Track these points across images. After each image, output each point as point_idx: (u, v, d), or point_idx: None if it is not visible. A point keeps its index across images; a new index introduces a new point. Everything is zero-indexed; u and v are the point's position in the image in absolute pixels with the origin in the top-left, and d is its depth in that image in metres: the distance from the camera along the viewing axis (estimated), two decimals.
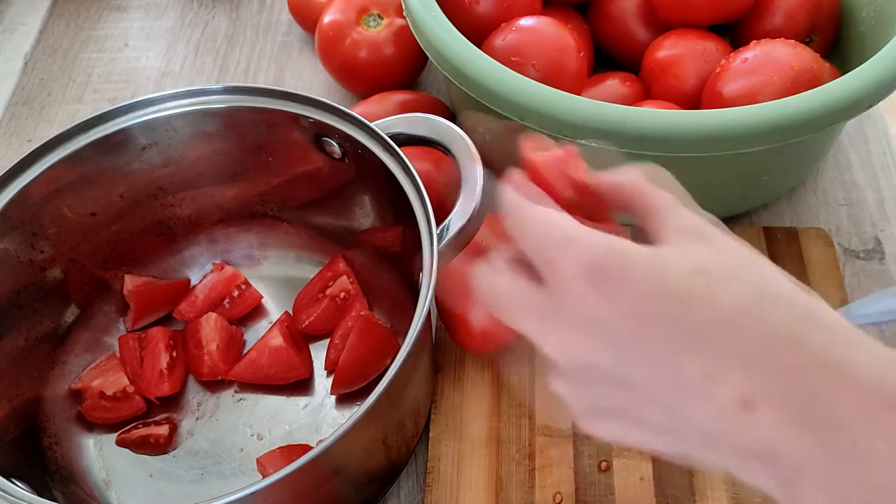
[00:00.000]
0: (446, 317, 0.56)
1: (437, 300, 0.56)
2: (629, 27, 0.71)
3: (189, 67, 0.81)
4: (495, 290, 0.36)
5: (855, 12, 0.69)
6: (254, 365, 0.57)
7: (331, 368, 0.58)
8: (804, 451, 0.29)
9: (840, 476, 0.28)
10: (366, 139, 0.52)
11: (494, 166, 0.38)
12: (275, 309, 0.62)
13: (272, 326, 0.59)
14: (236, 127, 0.56)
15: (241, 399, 0.58)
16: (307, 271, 0.62)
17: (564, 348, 0.34)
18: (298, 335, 0.60)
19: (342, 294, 0.60)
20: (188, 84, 0.70)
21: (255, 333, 0.61)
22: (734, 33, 0.71)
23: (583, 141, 0.55)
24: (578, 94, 0.59)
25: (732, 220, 0.66)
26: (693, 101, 0.65)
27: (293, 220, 0.63)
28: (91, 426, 0.57)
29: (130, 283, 0.60)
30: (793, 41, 0.62)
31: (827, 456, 0.29)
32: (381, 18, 0.71)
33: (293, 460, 0.40)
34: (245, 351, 0.60)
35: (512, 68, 0.57)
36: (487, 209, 0.50)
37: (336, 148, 0.55)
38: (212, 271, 0.62)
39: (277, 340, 0.57)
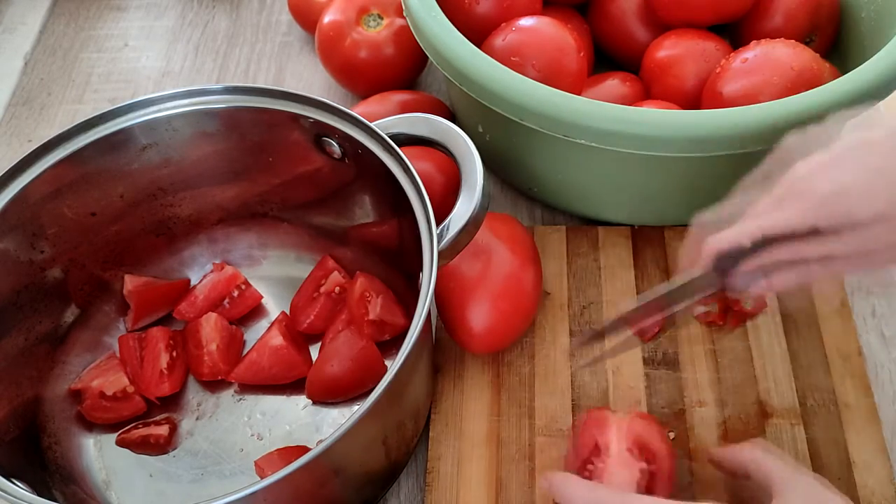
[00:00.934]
0: (446, 317, 0.56)
1: (437, 300, 0.56)
2: (629, 27, 0.71)
3: (189, 67, 0.81)
4: None
5: (855, 12, 0.69)
6: (255, 366, 0.57)
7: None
8: None
9: None
10: (366, 139, 0.52)
11: None
12: (275, 309, 0.62)
13: (271, 326, 0.59)
14: (236, 127, 0.56)
15: (241, 399, 0.58)
16: (307, 271, 0.62)
17: None
18: (298, 334, 0.60)
19: (336, 289, 0.60)
20: (188, 84, 0.70)
21: (255, 333, 0.61)
22: (734, 33, 0.71)
23: (583, 141, 0.55)
24: (578, 94, 0.59)
25: None
26: (693, 101, 0.65)
27: (293, 220, 0.63)
28: (91, 426, 0.57)
29: (130, 283, 0.60)
30: (793, 41, 0.62)
31: None
32: (381, 18, 0.71)
33: (291, 462, 0.40)
34: (245, 351, 0.60)
35: (512, 68, 0.57)
36: (487, 209, 0.50)
37: (336, 148, 0.55)
38: (212, 271, 0.62)
39: (277, 340, 0.58)
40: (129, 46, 0.84)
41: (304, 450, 0.52)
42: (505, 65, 0.57)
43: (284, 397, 0.58)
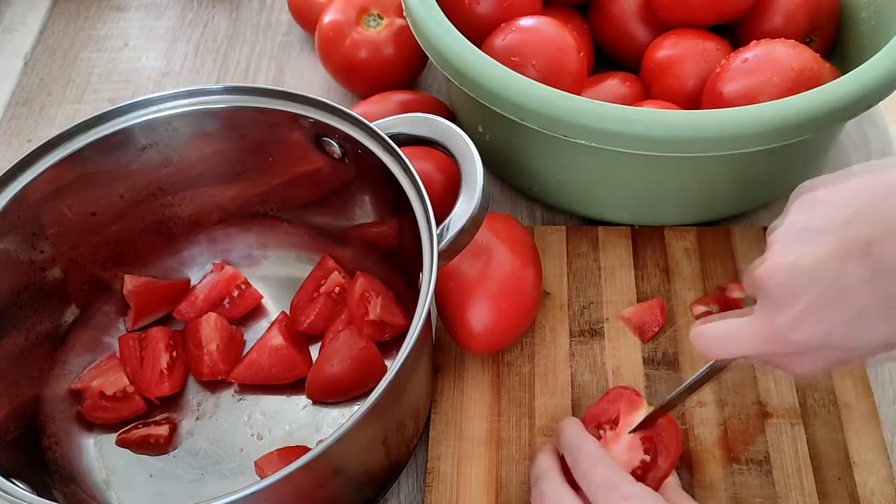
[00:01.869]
0: (446, 317, 0.56)
1: (437, 300, 0.56)
2: (629, 27, 0.71)
3: (189, 67, 0.81)
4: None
5: (855, 12, 0.69)
6: (255, 366, 0.57)
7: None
8: None
9: None
10: (366, 139, 0.52)
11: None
12: (275, 309, 0.62)
13: (270, 326, 0.59)
14: (236, 127, 0.56)
15: (241, 399, 0.58)
16: (307, 271, 0.62)
17: None
18: (298, 334, 0.60)
19: (336, 289, 0.60)
20: (188, 84, 0.70)
21: (254, 333, 0.61)
22: (734, 33, 0.71)
23: (583, 141, 0.55)
24: (578, 94, 0.59)
25: (732, 220, 0.66)
26: (693, 101, 0.65)
27: (293, 220, 0.63)
28: (91, 426, 0.57)
29: (130, 283, 0.60)
30: (793, 41, 0.62)
31: None
32: (381, 18, 0.71)
33: (291, 462, 0.40)
34: (245, 351, 0.60)
35: (512, 68, 0.57)
36: (487, 209, 0.50)
37: (336, 148, 0.55)
38: (212, 271, 0.62)
39: (277, 340, 0.58)
40: (129, 46, 0.84)
41: (304, 450, 0.52)
42: (505, 65, 0.57)
43: (284, 397, 0.58)
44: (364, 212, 0.59)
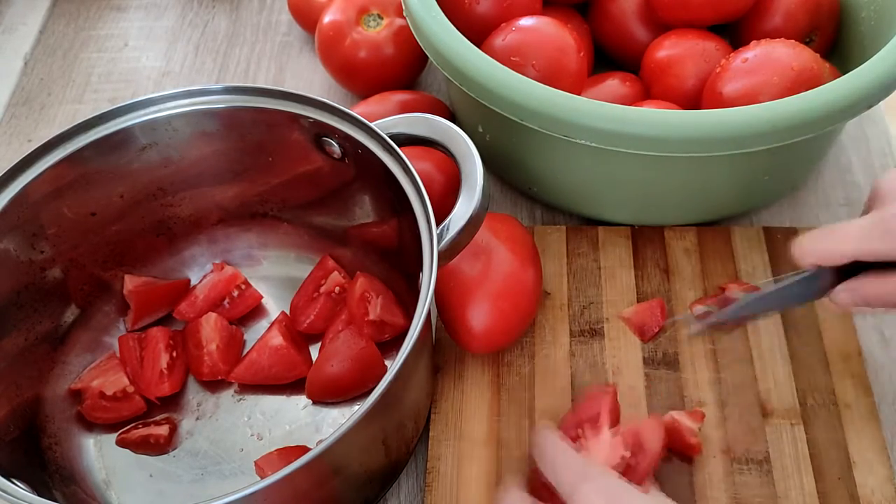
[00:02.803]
0: (446, 317, 0.56)
1: (437, 300, 0.56)
2: (629, 27, 0.71)
3: (189, 67, 0.81)
4: None
5: (855, 12, 0.69)
6: (255, 366, 0.57)
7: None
8: None
9: None
10: (366, 139, 0.52)
11: None
12: (275, 309, 0.62)
13: (270, 326, 0.59)
14: (236, 127, 0.56)
15: (241, 399, 0.58)
16: (307, 271, 0.62)
17: None
18: (298, 334, 0.60)
19: (336, 289, 0.60)
20: (188, 84, 0.70)
21: (254, 333, 0.61)
22: (734, 33, 0.71)
23: (583, 141, 0.55)
24: (578, 94, 0.59)
25: (732, 220, 0.66)
26: (693, 101, 0.65)
27: (293, 220, 0.63)
28: (91, 426, 0.57)
29: (130, 283, 0.60)
30: (793, 41, 0.62)
31: None
32: (381, 18, 0.71)
33: (291, 462, 0.40)
34: (245, 351, 0.60)
35: (512, 68, 0.57)
36: (487, 209, 0.50)
37: (336, 148, 0.55)
38: (212, 271, 0.62)
39: (277, 340, 0.58)
40: (129, 46, 0.84)
41: (304, 450, 0.52)
42: (505, 65, 0.57)
43: (284, 397, 0.58)
44: (364, 212, 0.59)
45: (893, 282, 0.45)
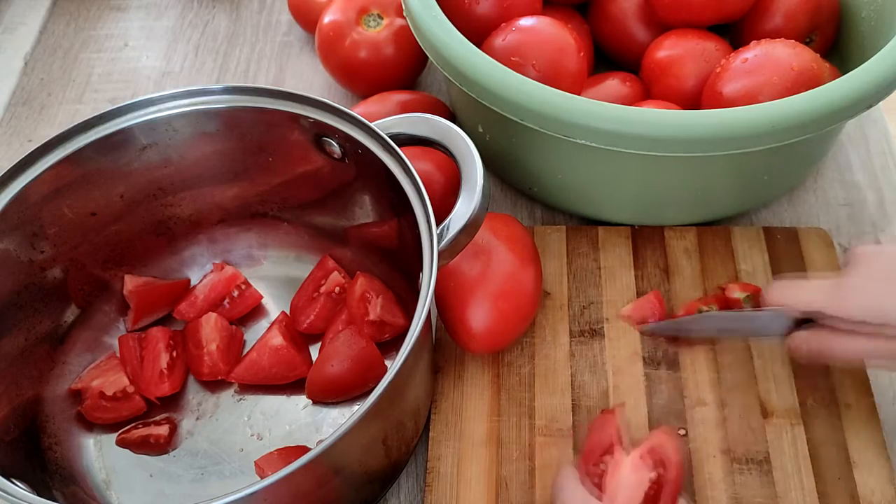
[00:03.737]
0: (446, 317, 0.56)
1: (437, 300, 0.56)
2: (629, 27, 0.71)
3: (189, 67, 0.81)
4: None
5: (855, 12, 0.69)
6: (255, 366, 0.57)
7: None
8: None
9: None
10: (366, 139, 0.52)
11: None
12: (275, 309, 0.62)
13: (270, 326, 0.59)
14: (236, 127, 0.56)
15: (241, 399, 0.58)
16: (307, 271, 0.62)
17: None
18: (298, 334, 0.60)
19: (336, 289, 0.60)
20: (188, 84, 0.70)
21: (255, 333, 0.61)
22: (734, 33, 0.71)
23: (583, 141, 0.55)
24: (578, 94, 0.59)
25: (732, 220, 0.66)
26: (693, 101, 0.65)
27: (293, 220, 0.63)
28: (91, 426, 0.57)
29: (130, 283, 0.60)
30: (793, 41, 0.62)
31: None
32: (381, 18, 0.71)
33: (291, 462, 0.40)
34: (245, 351, 0.60)
35: (512, 68, 0.57)
36: (487, 209, 0.50)
37: (336, 148, 0.55)
38: (212, 271, 0.62)
39: (277, 340, 0.58)
40: (129, 46, 0.84)
41: (304, 450, 0.52)
42: (505, 65, 0.57)
43: (284, 397, 0.58)
44: (364, 212, 0.59)
45: (838, 341, 0.50)
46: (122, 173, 0.56)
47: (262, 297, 0.62)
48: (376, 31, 0.71)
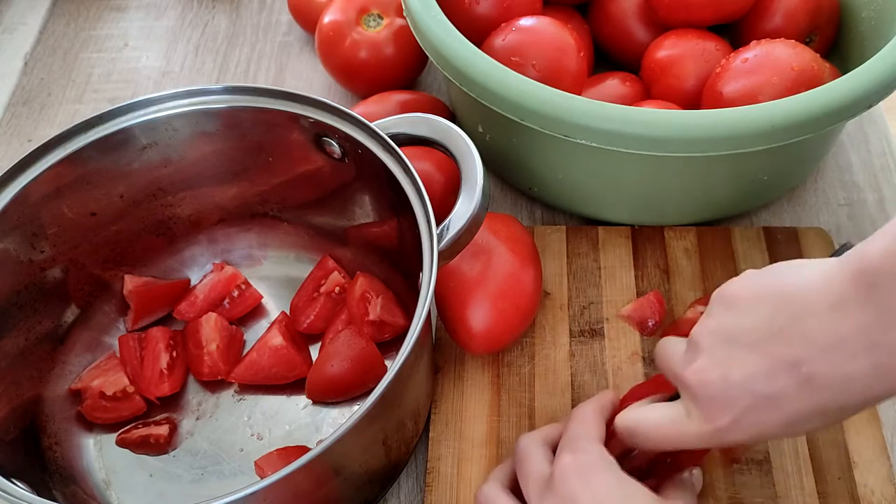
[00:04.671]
0: (446, 317, 0.56)
1: (437, 300, 0.56)
2: (629, 27, 0.71)
3: (189, 67, 0.81)
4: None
5: (855, 12, 0.69)
6: (255, 366, 0.57)
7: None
8: None
9: None
10: (366, 139, 0.52)
11: None
12: (275, 309, 0.62)
13: (270, 326, 0.59)
14: (236, 127, 0.56)
15: (241, 399, 0.58)
16: (307, 271, 0.62)
17: None
18: (298, 334, 0.60)
19: (336, 289, 0.60)
20: (188, 84, 0.70)
21: (255, 333, 0.61)
22: (734, 33, 0.71)
23: (583, 141, 0.55)
24: (578, 94, 0.59)
25: (732, 220, 0.66)
26: (693, 101, 0.65)
27: (293, 220, 0.63)
28: (91, 426, 0.57)
29: (130, 283, 0.60)
30: (793, 41, 0.62)
31: None
32: (381, 18, 0.71)
33: (291, 462, 0.40)
34: (245, 351, 0.60)
35: (512, 68, 0.57)
36: (487, 209, 0.50)
37: (336, 148, 0.55)
38: (212, 271, 0.62)
39: (277, 340, 0.58)
40: (129, 46, 0.84)
41: (304, 450, 0.52)
42: (505, 65, 0.57)
43: (284, 397, 0.58)
44: (364, 212, 0.59)
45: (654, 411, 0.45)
46: (122, 173, 0.56)
47: (262, 297, 0.62)
48: (376, 31, 0.71)
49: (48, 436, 0.55)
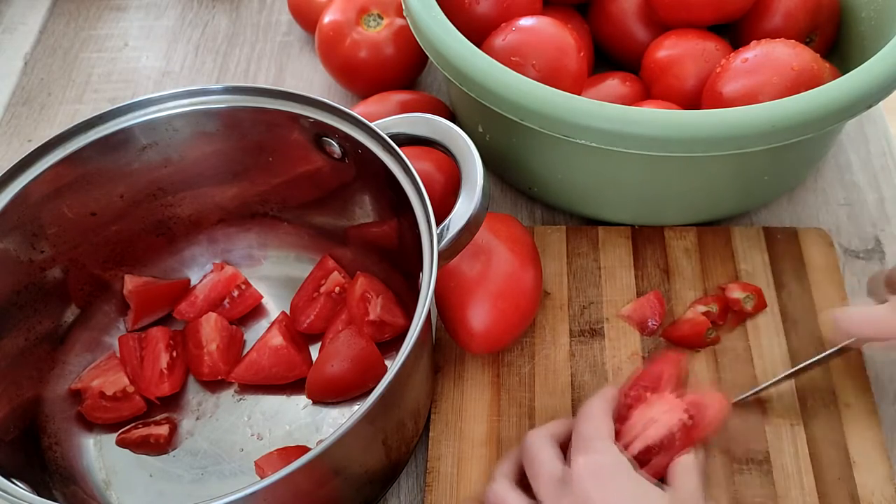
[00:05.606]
0: (446, 317, 0.56)
1: (437, 300, 0.56)
2: (629, 27, 0.71)
3: (189, 67, 0.81)
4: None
5: (855, 12, 0.69)
6: (255, 366, 0.57)
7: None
8: None
9: None
10: (366, 139, 0.52)
11: None
12: (275, 309, 0.62)
13: (270, 326, 0.59)
14: (236, 127, 0.56)
15: (241, 399, 0.58)
16: (307, 271, 0.62)
17: None
18: (298, 334, 0.60)
19: (336, 289, 0.60)
20: (188, 84, 0.70)
21: (255, 333, 0.61)
22: (734, 33, 0.71)
23: (583, 141, 0.55)
24: (578, 94, 0.59)
25: (732, 220, 0.66)
26: (693, 101, 0.65)
27: (293, 220, 0.63)
28: (91, 426, 0.57)
29: (130, 283, 0.60)
30: (793, 41, 0.62)
31: None
32: (381, 18, 0.71)
33: (291, 462, 0.40)
34: (245, 351, 0.60)
35: (512, 68, 0.57)
36: (487, 209, 0.50)
37: (336, 148, 0.55)
38: (212, 271, 0.62)
39: (277, 340, 0.58)
40: (129, 46, 0.84)
41: (304, 450, 0.52)
42: (505, 65, 0.57)
43: (284, 397, 0.58)
44: (364, 212, 0.59)
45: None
46: (122, 173, 0.56)
47: (262, 297, 0.62)
48: (376, 31, 0.71)
49: (48, 436, 0.55)
